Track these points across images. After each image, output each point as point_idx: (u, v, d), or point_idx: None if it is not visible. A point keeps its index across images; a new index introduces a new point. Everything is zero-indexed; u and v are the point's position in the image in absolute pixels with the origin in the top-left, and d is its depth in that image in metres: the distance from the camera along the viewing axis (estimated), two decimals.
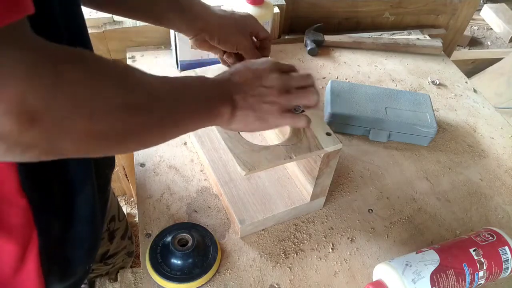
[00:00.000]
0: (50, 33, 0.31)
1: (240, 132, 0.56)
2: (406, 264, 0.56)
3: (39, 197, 0.45)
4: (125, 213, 1.31)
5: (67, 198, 0.49)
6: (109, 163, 0.64)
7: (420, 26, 1.26)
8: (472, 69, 2.02)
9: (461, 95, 1.00)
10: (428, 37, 1.17)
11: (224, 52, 0.65)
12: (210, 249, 0.61)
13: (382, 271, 0.58)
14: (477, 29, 3.07)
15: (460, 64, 1.39)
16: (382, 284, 0.57)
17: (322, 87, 0.96)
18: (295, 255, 0.64)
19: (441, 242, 0.63)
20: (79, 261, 0.55)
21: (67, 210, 0.50)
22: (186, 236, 0.59)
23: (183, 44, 0.87)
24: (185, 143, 0.78)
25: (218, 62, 0.70)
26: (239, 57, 0.65)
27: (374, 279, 0.60)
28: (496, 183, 0.80)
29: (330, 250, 0.65)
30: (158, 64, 0.97)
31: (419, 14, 1.24)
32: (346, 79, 1.01)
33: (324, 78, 1.00)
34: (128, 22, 0.98)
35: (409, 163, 0.82)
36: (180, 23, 0.61)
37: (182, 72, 0.93)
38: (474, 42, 2.95)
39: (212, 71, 0.65)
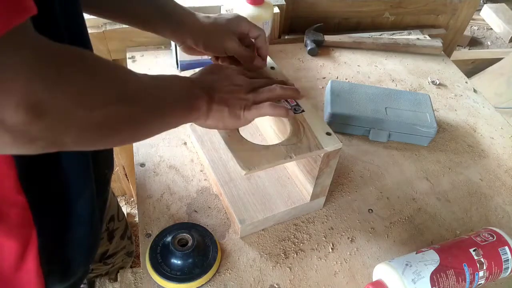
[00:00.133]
0: (51, 33, 0.32)
1: (240, 132, 0.56)
2: (406, 264, 0.56)
3: (38, 196, 0.46)
4: (125, 213, 1.31)
5: (66, 197, 0.49)
6: (108, 163, 0.64)
7: (420, 26, 1.26)
8: (472, 69, 2.02)
9: (461, 95, 1.00)
10: (428, 37, 1.17)
11: (217, 57, 0.65)
12: (210, 249, 0.60)
13: (382, 271, 0.58)
14: (477, 29, 3.07)
15: (460, 64, 1.39)
16: (382, 284, 0.57)
17: (322, 87, 0.97)
18: (295, 255, 0.64)
19: (441, 242, 0.63)
20: (79, 261, 0.55)
21: (66, 209, 0.50)
22: (186, 236, 0.59)
23: None
24: (185, 143, 0.78)
25: None
26: (234, 60, 0.64)
27: (374, 279, 0.60)
28: (496, 183, 0.80)
29: (330, 250, 0.65)
30: (158, 64, 0.97)
31: (419, 14, 1.24)
32: (346, 79, 1.01)
33: (324, 78, 1.00)
34: None
35: (409, 163, 0.82)
36: (164, 30, 0.62)
37: (182, 72, 0.93)
38: (474, 42, 2.95)
39: None
